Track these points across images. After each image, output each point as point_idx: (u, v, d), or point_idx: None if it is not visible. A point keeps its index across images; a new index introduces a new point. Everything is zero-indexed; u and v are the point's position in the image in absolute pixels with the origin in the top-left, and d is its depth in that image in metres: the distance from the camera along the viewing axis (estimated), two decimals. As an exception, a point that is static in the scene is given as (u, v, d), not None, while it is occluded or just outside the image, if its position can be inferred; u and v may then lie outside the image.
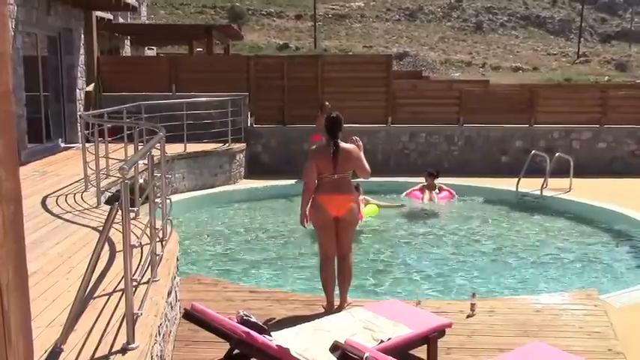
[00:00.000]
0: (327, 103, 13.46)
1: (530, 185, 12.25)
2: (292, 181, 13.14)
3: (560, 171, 12.82)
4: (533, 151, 13.14)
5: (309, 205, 5.61)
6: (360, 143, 5.70)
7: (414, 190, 12.43)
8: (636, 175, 13.91)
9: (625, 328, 5.25)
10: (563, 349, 4.50)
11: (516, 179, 12.34)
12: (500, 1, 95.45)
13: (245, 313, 4.12)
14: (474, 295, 5.65)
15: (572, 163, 12.78)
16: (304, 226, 5.91)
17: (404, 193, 12.45)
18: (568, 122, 15.35)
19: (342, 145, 5.49)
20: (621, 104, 15.65)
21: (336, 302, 5.62)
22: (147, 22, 29.03)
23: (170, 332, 4.68)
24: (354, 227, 5.73)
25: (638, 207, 10.59)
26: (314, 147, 5.73)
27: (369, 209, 10.93)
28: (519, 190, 12.26)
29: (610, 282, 7.45)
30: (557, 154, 13.12)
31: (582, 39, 77.63)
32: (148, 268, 4.57)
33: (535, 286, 7.32)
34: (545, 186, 12.23)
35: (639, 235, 9.49)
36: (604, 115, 15.43)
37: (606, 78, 54.49)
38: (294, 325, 4.56)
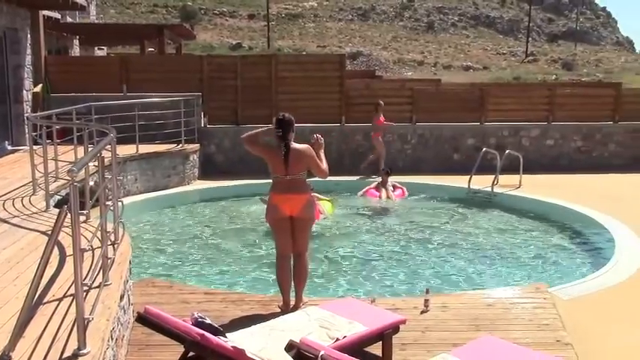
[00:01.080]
0: (380, 102, 14.21)
1: (481, 182, 12.50)
2: (247, 181, 13.10)
3: (511, 168, 13.13)
4: (484, 149, 13.40)
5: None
6: (322, 141, 5.66)
7: (370, 189, 12.54)
8: (582, 170, 14.34)
9: (572, 320, 5.41)
10: (513, 341, 4.61)
11: (468, 176, 12.57)
12: (450, 1, 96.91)
13: (199, 314, 4.09)
14: (427, 291, 5.74)
15: (521, 160, 13.10)
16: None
17: (360, 192, 12.55)
18: (517, 120, 15.73)
19: (294, 145, 5.46)
20: (567, 102, 16.11)
21: (293, 302, 5.62)
22: (96, 21, 28.48)
23: (123, 336, 4.61)
24: (309, 226, 5.72)
25: (583, 202, 10.93)
26: (267, 143, 5.67)
27: (327, 207, 11.00)
28: (471, 187, 12.49)
29: (558, 275, 7.66)
30: (507, 151, 13.43)
31: (530, 39, 79.48)
32: (99, 271, 4.49)
33: (487, 281, 7.48)
34: (496, 183, 12.50)
35: (585, 229, 9.78)
36: (551, 112, 15.85)
37: (553, 77, 55.91)
38: (250, 326, 4.55)
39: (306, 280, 5.76)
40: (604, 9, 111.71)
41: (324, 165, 5.58)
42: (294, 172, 5.44)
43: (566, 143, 15.79)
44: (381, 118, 14.27)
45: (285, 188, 5.46)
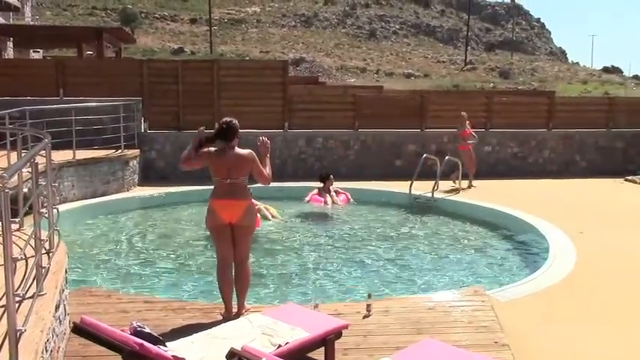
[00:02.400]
0: (463, 113, 13.87)
1: (422, 187, 12.71)
2: (188, 188, 12.94)
3: (450, 173, 13.41)
4: (424, 155, 13.65)
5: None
6: (268, 145, 5.59)
7: (313, 195, 12.56)
8: (518, 176, 14.76)
9: (509, 321, 5.56)
10: (453, 343, 4.70)
11: (409, 182, 12.76)
12: (392, 9, 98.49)
13: (138, 324, 4.00)
14: (369, 295, 5.78)
15: (460, 166, 13.40)
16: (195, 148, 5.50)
17: (307, 199, 12.53)
18: (456, 126, 16.04)
19: (236, 150, 5.43)
20: (504, 109, 16.61)
21: (235, 309, 5.57)
22: (32, 23, 27.65)
23: (59, 348, 4.47)
24: (250, 233, 5.65)
25: (519, 206, 11.25)
26: (210, 149, 5.59)
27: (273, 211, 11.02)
28: (413, 192, 12.69)
29: (495, 278, 7.85)
30: (446, 157, 13.70)
31: (469, 47, 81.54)
32: (33, 281, 4.34)
33: (428, 285, 7.59)
34: (436, 188, 12.74)
35: (521, 233, 10.06)
36: (489, 119, 16.28)
37: (491, 84, 57.51)
38: (191, 334, 4.49)
39: (248, 288, 5.70)
40: (538, 20, 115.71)
41: (267, 171, 5.52)
42: (235, 176, 5.38)
43: (503, 149, 16.25)
44: (467, 129, 13.90)
45: (225, 193, 5.40)
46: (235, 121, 5.52)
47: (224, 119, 5.55)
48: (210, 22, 72.15)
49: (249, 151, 5.49)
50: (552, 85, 56.64)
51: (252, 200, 5.56)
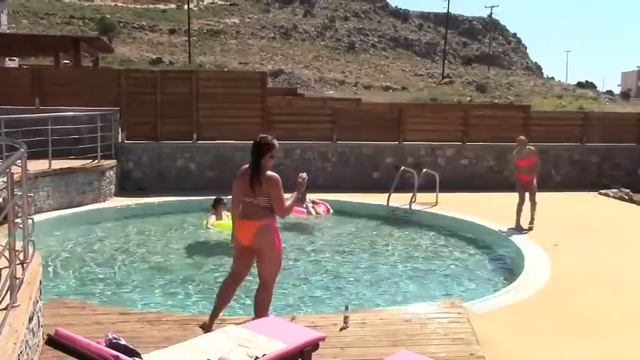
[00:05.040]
0: (522, 137, 11.32)
1: (400, 200, 12.78)
2: (165, 198, 12.90)
3: (428, 186, 13.50)
4: (402, 167, 13.73)
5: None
6: (302, 181, 5.49)
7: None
8: (494, 189, 14.88)
9: (485, 333, 5.60)
10: (429, 355, 4.73)
11: (387, 194, 12.83)
12: (370, 22, 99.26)
13: (114, 335, 3.97)
14: (346, 307, 5.79)
15: (437, 179, 13.50)
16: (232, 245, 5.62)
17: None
18: (434, 139, 16.22)
19: (265, 171, 5.30)
20: (481, 123, 16.78)
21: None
22: (7, 31, 27.39)
23: (32, 360, 4.41)
24: (266, 256, 5.36)
25: (496, 219, 11.36)
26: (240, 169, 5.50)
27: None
28: (390, 204, 12.75)
29: (471, 290, 7.91)
30: (423, 169, 13.80)
31: (446, 61, 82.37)
32: (6, 292, 4.29)
33: (405, 297, 7.63)
34: (413, 200, 12.82)
35: (497, 246, 10.16)
36: (466, 133, 16.44)
37: (468, 98, 58.08)
38: (167, 346, 4.46)
39: (263, 312, 5.45)
40: (515, 35, 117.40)
41: (288, 204, 5.34)
42: (252, 196, 5.25)
43: (479, 162, 16.41)
44: (531, 157, 11.02)
45: (242, 212, 5.33)
46: (270, 138, 5.42)
47: (260, 135, 5.45)
48: (189, 32, 72.00)
49: (275, 175, 5.34)
50: (528, 99, 57.36)
51: (271, 222, 5.30)
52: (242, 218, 5.34)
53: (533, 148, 11.23)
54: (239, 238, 5.37)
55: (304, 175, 5.55)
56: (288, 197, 5.34)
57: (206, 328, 5.38)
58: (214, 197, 11.48)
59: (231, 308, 6.85)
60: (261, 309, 5.48)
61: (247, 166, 5.40)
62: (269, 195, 5.24)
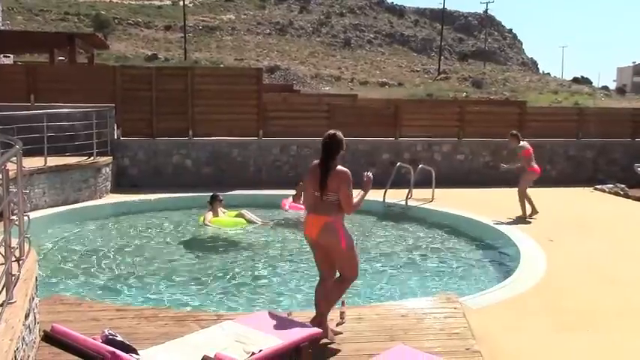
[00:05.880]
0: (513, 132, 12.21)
1: (396, 196, 12.79)
2: (161, 195, 12.89)
3: (424, 182, 13.51)
4: (398, 163, 13.74)
5: None
6: (368, 180, 5.42)
7: (292, 203, 12.55)
8: (490, 185, 14.92)
9: (481, 328, 5.62)
10: (425, 350, 4.75)
11: (383, 190, 12.84)
12: (366, 18, 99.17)
13: (110, 332, 3.97)
14: (343, 303, 5.80)
15: (433, 175, 13.51)
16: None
17: (286, 207, 12.51)
18: (430, 135, 16.23)
19: (335, 166, 5.20)
20: (476, 119, 16.80)
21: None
22: (2, 27, 27.29)
23: (28, 357, 4.41)
24: (334, 251, 5.21)
25: (490, 214, 11.39)
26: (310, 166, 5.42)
27: (231, 221, 11.05)
28: (386, 200, 12.76)
29: (468, 285, 7.93)
30: (420, 165, 13.81)
31: (442, 57, 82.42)
32: (2, 289, 4.28)
33: (401, 292, 7.64)
34: (409, 196, 12.84)
35: (493, 241, 10.18)
36: (462, 128, 16.46)
37: (464, 94, 58.12)
38: (164, 342, 4.46)
39: (331, 304, 5.35)
40: (510, 31, 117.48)
41: (355, 201, 5.20)
42: (324, 192, 5.14)
43: (475, 158, 16.43)
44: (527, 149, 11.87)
45: (310, 206, 5.28)
46: (338, 134, 5.36)
47: (328, 132, 5.37)
48: (184, 29, 71.90)
49: (346, 171, 5.22)
50: (524, 95, 57.47)
51: (337, 219, 5.17)
52: (310, 212, 5.29)
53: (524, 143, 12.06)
54: (307, 232, 5.29)
55: (370, 174, 5.50)
56: (356, 195, 5.26)
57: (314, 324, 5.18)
58: (211, 194, 11.49)
59: (230, 305, 6.88)
60: (327, 302, 5.31)
61: (318, 161, 5.34)
62: (338, 191, 5.15)
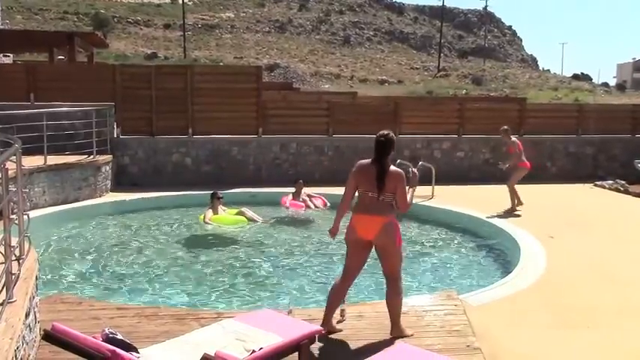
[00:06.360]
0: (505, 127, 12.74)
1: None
2: (161, 194, 12.90)
3: (424, 179, 13.48)
4: (398, 160, 13.71)
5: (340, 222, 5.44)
6: (414, 176, 5.46)
7: (292, 201, 12.56)
8: (490, 182, 14.90)
9: (481, 325, 5.62)
10: (426, 347, 4.75)
11: (383, 188, 12.80)
12: (366, 16, 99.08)
13: (111, 330, 3.97)
14: (343, 300, 5.79)
15: (433, 172, 13.50)
16: (332, 238, 5.66)
17: (287, 205, 12.52)
18: (430, 132, 16.22)
19: (389, 166, 5.23)
20: (476, 116, 16.79)
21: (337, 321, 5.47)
22: (1, 27, 27.28)
23: (29, 356, 4.41)
24: (389, 251, 5.29)
25: (492, 211, 11.40)
26: (358, 163, 5.44)
27: (231, 219, 11.05)
28: (386, 198, 12.72)
29: (467, 282, 7.93)
30: (420, 162, 13.80)
31: (442, 54, 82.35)
32: (2, 288, 4.28)
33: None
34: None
35: (493, 238, 10.18)
36: (461, 125, 16.45)
37: (464, 91, 58.08)
38: (164, 341, 4.46)
39: (398, 308, 5.33)
40: (510, 27, 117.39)
41: (409, 198, 5.28)
42: (380, 192, 5.16)
43: (475, 155, 16.43)
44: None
45: (365, 208, 5.22)
46: (392, 134, 5.36)
47: (380, 132, 5.36)
48: (184, 27, 71.85)
49: (400, 171, 5.26)
50: (523, 91, 57.44)
51: (394, 219, 5.24)
52: (365, 213, 5.23)
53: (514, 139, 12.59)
54: (361, 233, 5.24)
55: (415, 170, 5.56)
56: (407, 193, 5.29)
57: (326, 330, 5.21)
58: (211, 192, 11.49)
59: (229, 302, 6.89)
60: (394, 307, 5.32)
61: (367, 161, 5.35)
62: (394, 191, 5.16)
